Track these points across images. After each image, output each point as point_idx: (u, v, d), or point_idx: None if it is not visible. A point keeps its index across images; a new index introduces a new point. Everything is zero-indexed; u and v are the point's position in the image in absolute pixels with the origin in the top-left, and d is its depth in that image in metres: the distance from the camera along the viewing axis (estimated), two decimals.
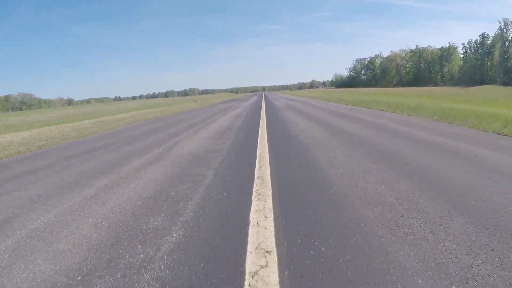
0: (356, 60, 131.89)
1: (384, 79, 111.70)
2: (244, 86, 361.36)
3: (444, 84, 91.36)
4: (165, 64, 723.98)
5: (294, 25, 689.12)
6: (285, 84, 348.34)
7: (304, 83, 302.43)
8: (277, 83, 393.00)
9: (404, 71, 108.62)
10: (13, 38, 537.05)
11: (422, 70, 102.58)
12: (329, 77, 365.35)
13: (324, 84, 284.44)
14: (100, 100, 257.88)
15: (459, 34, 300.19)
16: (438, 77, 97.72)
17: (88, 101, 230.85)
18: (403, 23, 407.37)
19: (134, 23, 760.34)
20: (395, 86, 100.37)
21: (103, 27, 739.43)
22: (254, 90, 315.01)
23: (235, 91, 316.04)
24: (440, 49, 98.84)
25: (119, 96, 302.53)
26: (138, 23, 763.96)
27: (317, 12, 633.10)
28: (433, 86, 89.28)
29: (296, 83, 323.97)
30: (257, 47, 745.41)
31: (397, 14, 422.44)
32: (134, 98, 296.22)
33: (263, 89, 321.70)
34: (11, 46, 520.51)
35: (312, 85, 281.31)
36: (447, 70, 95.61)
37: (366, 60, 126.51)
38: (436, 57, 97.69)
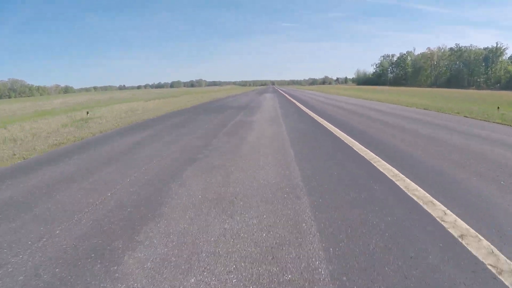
0: (383, 57, 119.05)
1: (417, 78, 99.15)
2: (253, 79, 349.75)
3: (488, 87, 78.43)
4: (173, 55, 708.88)
5: (307, 23, 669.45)
6: (295, 79, 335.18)
7: (315, 79, 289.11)
8: (287, 77, 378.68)
9: (437, 71, 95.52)
10: (17, 28, 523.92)
11: (461, 70, 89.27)
12: (341, 74, 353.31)
13: (337, 80, 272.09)
14: (104, 89, 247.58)
15: (473, 39, 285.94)
16: (482, 79, 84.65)
17: (88, 90, 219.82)
18: (417, 26, 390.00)
19: (142, 14, 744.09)
20: (429, 86, 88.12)
21: (110, 17, 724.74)
22: (263, 84, 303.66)
23: (243, 84, 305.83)
24: (484, 49, 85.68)
25: (124, 85, 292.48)
26: (147, 14, 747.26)
27: (331, 12, 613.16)
28: (474, 88, 76.76)
29: (307, 78, 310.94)
30: (268, 43, 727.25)
31: (411, 17, 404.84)
32: (139, 87, 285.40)
33: (272, 83, 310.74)
34: (15, 35, 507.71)
35: (325, 81, 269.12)
36: (493, 72, 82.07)
37: (395, 57, 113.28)
38: (480, 57, 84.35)
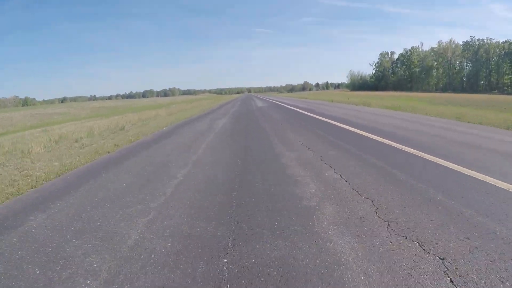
0: (381, 54, 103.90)
1: (426, 81, 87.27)
2: (228, 87, 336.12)
3: None
4: (145, 63, 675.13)
5: (282, 29, 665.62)
6: (273, 85, 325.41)
7: (294, 85, 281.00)
8: (264, 85, 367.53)
9: (452, 71, 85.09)
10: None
11: (479, 70, 79.17)
12: (321, 79, 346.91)
13: (317, 86, 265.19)
14: (74, 99, 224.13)
15: (445, 39, 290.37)
16: (508, 80, 73.55)
17: (52, 102, 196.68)
18: (392, 28, 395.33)
19: (113, 21, 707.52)
20: (443, 91, 76.41)
21: (78, 24, 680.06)
22: (238, 91, 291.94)
23: (219, 92, 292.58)
24: (504, 42, 75.48)
25: (95, 95, 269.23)
26: (117, 20, 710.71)
27: (305, 17, 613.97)
28: (497, 92, 66.30)
29: (284, 85, 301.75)
30: (244, 49, 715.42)
31: (385, 20, 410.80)
32: (110, 97, 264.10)
33: (249, 90, 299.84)
34: None
35: (304, 87, 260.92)
36: None
37: (396, 55, 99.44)
38: (503, 52, 74.71)
